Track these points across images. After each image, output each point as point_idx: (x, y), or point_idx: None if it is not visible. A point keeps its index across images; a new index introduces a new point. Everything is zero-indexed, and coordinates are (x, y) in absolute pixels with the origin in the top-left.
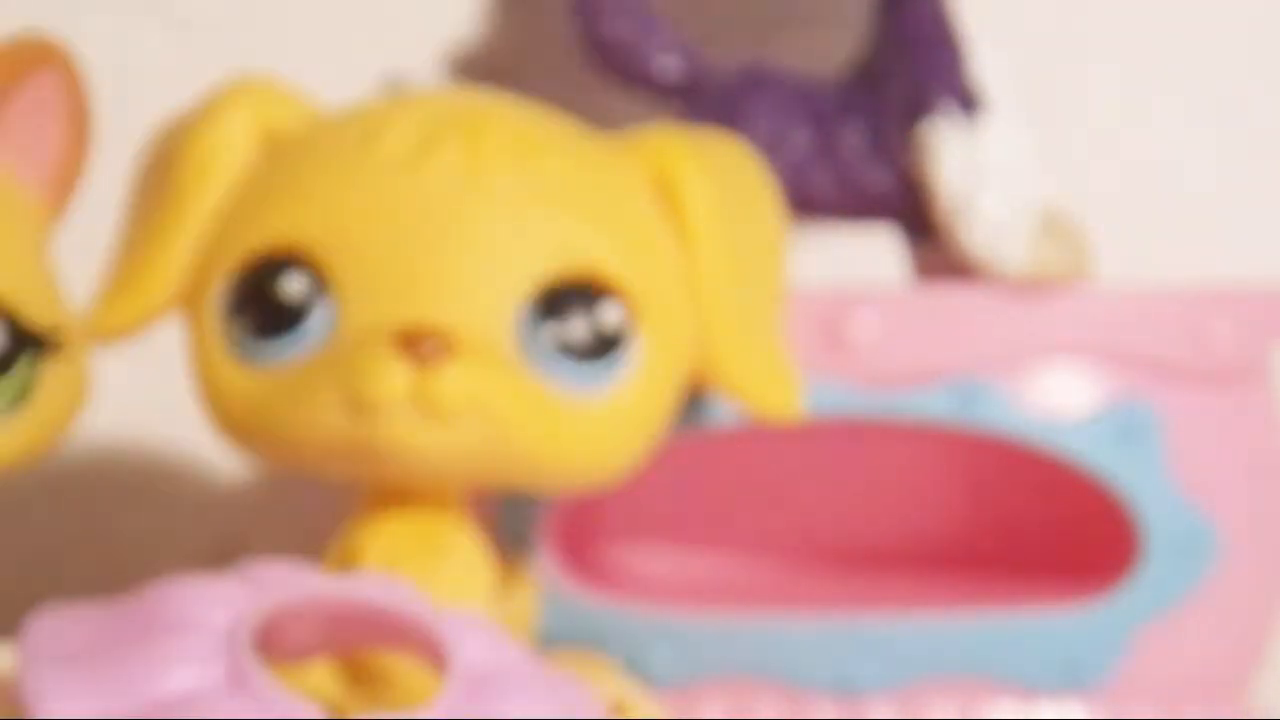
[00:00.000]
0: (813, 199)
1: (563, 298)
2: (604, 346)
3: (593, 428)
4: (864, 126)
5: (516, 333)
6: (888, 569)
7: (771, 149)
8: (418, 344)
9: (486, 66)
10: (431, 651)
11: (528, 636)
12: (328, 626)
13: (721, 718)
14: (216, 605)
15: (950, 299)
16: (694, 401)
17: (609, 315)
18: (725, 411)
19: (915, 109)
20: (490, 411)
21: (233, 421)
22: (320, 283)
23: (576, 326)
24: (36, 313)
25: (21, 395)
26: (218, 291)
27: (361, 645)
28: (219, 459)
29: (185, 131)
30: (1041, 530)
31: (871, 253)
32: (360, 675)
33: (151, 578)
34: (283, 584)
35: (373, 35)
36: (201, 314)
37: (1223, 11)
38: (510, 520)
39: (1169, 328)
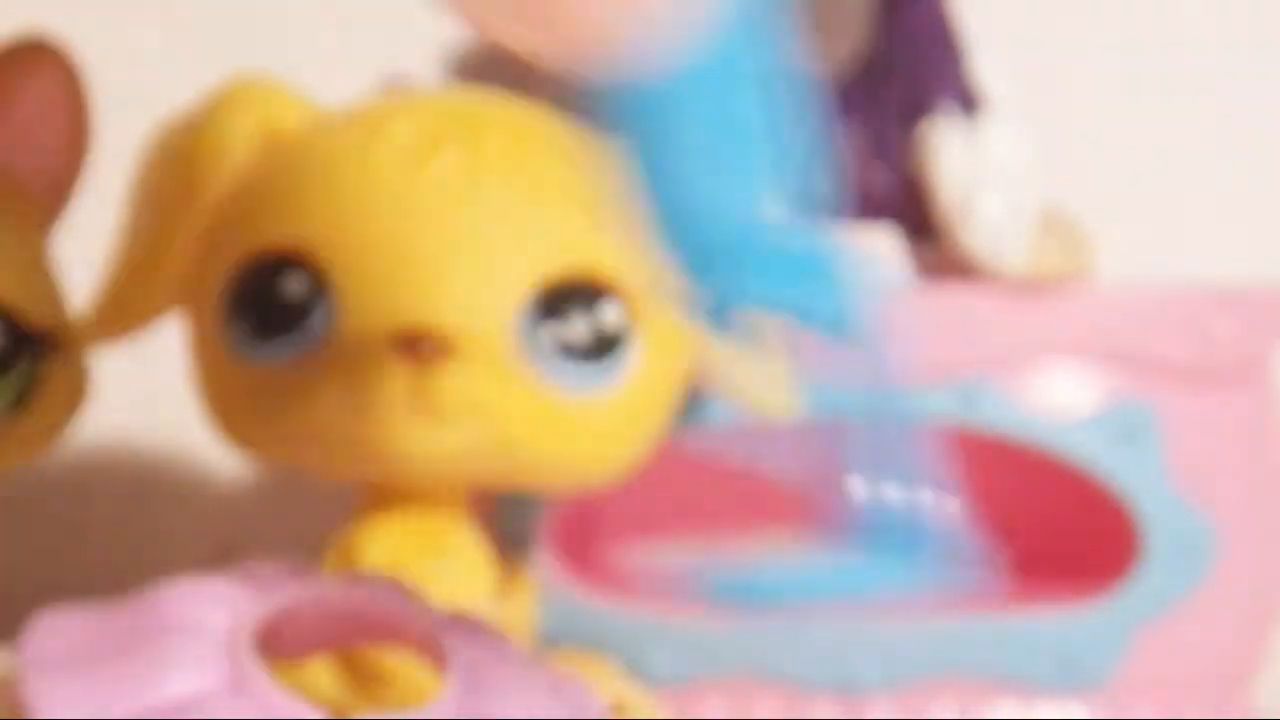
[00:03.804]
0: None
1: (562, 298)
2: (604, 346)
3: (593, 428)
4: (864, 126)
5: (516, 333)
6: None
7: None
8: (417, 344)
9: (486, 66)
10: (431, 651)
11: (528, 636)
12: (328, 626)
13: (721, 718)
14: (217, 606)
15: (950, 299)
16: (694, 401)
17: (609, 315)
18: (725, 411)
19: (915, 109)
20: (490, 412)
21: (233, 421)
22: (320, 283)
23: (576, 326)
24: (36, 313)
25: (22, 395)
26: (218, 291)
27: (361, 645)
28: (219, 459)
29: (186, 132)
30: (1041, 530)
31: (871, 253)
32: (360, 675)
33: (151, 578)
34: (283, 584)
35: (373, 35)
36: (201, 314)
37: (1223, 12)
38: (510, 520)
39: (1169, 328)
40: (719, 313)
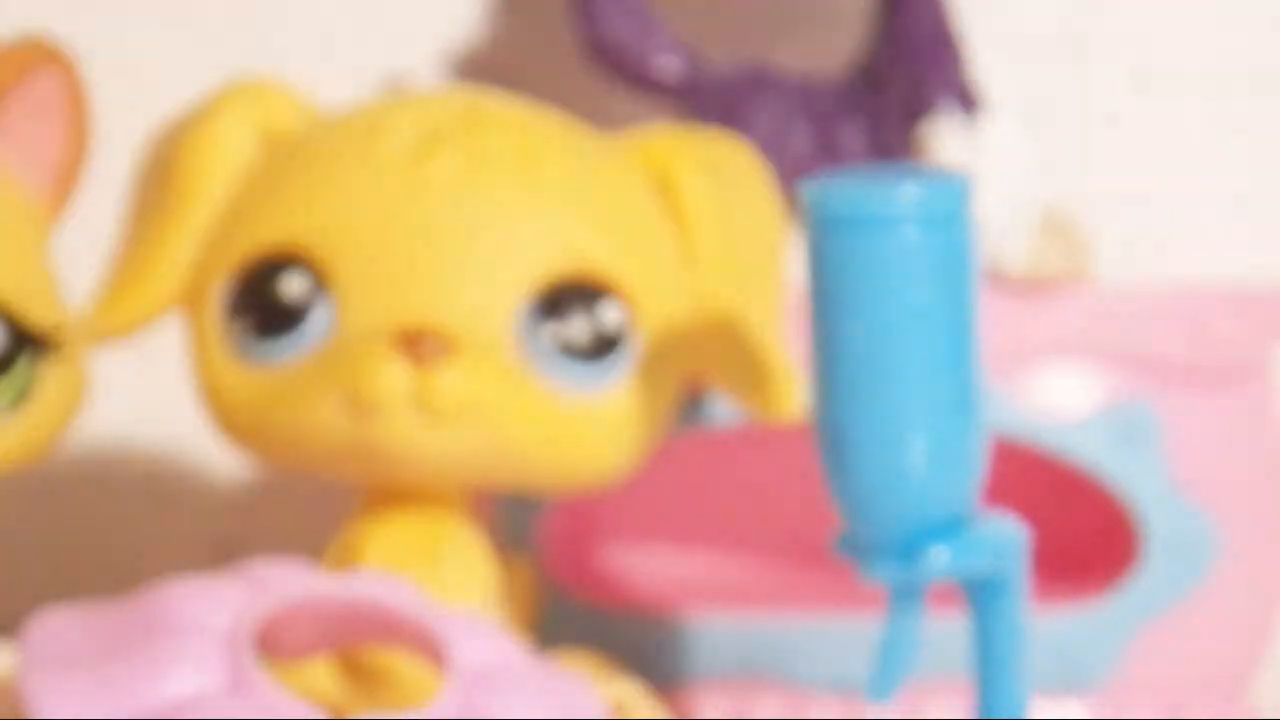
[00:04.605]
0: None
1: (563, 298)
2: (604, 346)
3: (593, 428)
4: (864, 126)
5: (516, 333)
6: None
7: (772, 149)
8: (417, 344)
9: (486, 66)
10: (431, 651)
11: (528, 636)
12: (327, 626)
13: (721, 718)
14: (217, 606)
15: None
16: (694, 401)
17: (609, 315)
18: (725, 411)
19: (915, 109)
20: (489, 412)
21: (233, 421)
22: (320, 283)
23: (576, 326)
24: (36, 313)
25: (21, 395)
26: (218, 291)
27: (361, 645)
28: (219, 459)
29: (185, 131)
30: (1041, 530)
31: None
32: (360, 675)
33: (151, 578)
34: (283, 584)
35: (373, 35)
36: (202, 314)
37: (1223, 12)
38: (510, 520)
39: (1169, 328)
40: (910, 588)
